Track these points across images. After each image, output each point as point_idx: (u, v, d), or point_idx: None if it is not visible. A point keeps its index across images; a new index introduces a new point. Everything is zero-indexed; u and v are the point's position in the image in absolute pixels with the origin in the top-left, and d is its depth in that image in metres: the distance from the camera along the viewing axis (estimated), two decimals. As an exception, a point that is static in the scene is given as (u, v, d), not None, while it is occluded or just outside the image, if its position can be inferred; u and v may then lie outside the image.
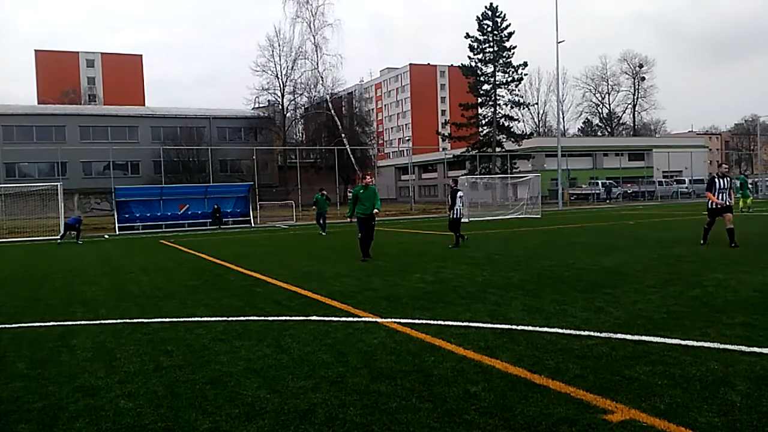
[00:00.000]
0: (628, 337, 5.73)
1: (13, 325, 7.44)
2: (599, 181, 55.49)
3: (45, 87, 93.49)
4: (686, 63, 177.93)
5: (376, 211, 13.28)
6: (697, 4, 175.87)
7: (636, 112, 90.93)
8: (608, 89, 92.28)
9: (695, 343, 5.40)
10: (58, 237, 23.83)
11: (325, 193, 24.35)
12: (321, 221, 23.73)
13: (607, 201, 50.04)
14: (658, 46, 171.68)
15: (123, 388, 4.77)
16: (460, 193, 16.50)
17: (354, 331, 6.45)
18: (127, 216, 30.75)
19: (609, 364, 4.91)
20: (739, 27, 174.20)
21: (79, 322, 7.47)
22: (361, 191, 13.43)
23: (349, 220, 14.04)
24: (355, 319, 7.07)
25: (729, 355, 5.01)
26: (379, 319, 6.95)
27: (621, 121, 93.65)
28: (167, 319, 7.46)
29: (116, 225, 30.20)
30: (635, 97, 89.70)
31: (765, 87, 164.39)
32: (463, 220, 17.40)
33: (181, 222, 31.27)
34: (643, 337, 5.68)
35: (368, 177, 14.37)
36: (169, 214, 31.42)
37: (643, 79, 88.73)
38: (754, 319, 6.24)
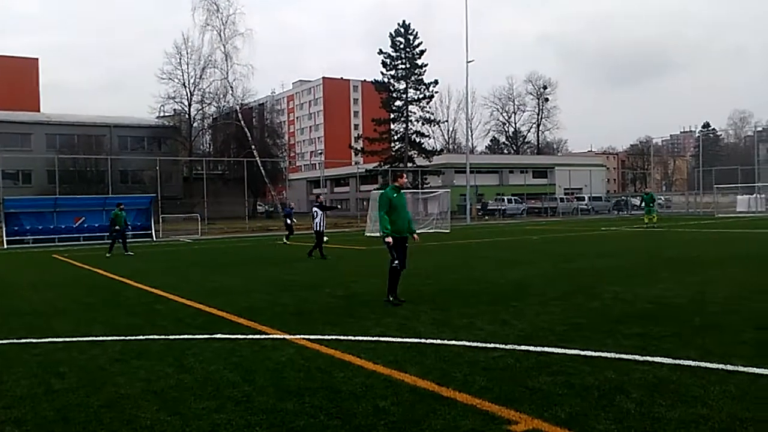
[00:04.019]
0: (532, 348, 5.91)
1: None
2: (505, 197, 57.41)
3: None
4: (586, 85, 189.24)
5: (416, 236, 9.20)
6: (594, 28, 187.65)
7: (540, 132, 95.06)
8: (514, 109, 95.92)
9: (594, 354, 5.64)
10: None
11: (123, 207, 21.48)
12: (121, 240, 20.95)
13: (486, 217, 51.35)
14: (560, 68, 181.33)
15: (8, 414, 4.43)
16: (314, 209, 17.71)
17: (261, 348, 6.28)
18: (16, 229, 28.77)
19: (513, 376, 5.03)
20: (633, 53, 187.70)
21: (-43, 344, 6.86)
22: (395, 195, 8.90)
23: (389, 241, 8.65)
24: (263, 336, 6.89)
25: (625, 365, 5.26)
26: (288, 336, 6.81)
27: (526, 140, 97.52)
28: (59, 339, 7.00)
29: (4, 238, 28.21)
30: (539, 117, 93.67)
31: (657, 110, 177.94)
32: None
33: (76, 236, 29.63)
34: (546, 349, 5.87)
35: (404, 176, 9.41)
36: (63, 227, 29.72)
37: (547, 100, 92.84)
38: (648, 329, 6.60)
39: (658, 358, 5.41)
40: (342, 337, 6.63)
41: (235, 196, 51.40)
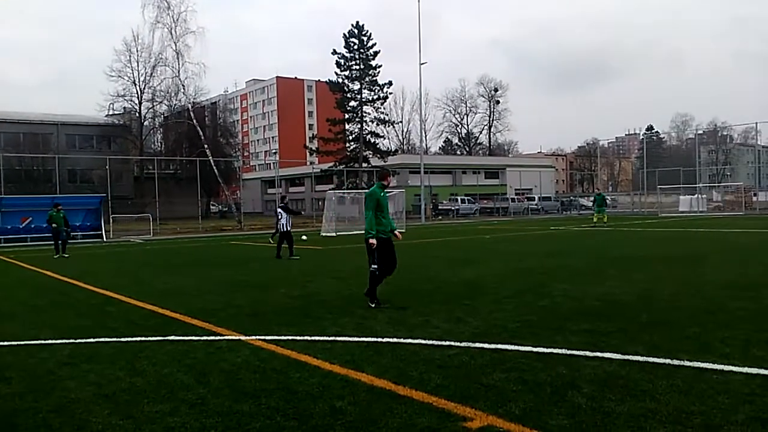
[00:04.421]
0: (486, 345, 6.00)
1: None
2: (458, 198, 58.01)
3: None
4: (536, 89, 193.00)
5: (398, 233, 9.05)
6: (544, 34, 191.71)
7: (491, 133, 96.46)
8: (467, 111, 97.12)
9: (545, 350, 5.76)
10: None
11: (60, 208, 20.75)
12: (60, 241, 20.10)
13: (440, 217, 51.69)
14: (511, 72, 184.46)
15: (-52, 423, 4.25)
16: (278, 210, 17.56)
17: (216, 350, 6.20)
18: (-43, 230, 27.69)
19: (468, 373, 5.10)
20: (580, 58, 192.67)
21: None
22: (382, 194, 8.76)
23: (372, 242, 8.49)
24: (218, 337, 6.81)
25: (575, 360, 5.39)
26: (243, 337, 6.74)
27: (478, 141, 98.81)
28: (6, 343, 6.78)
29: (-56, 239, 27.07)
30: (491, 119, 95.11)
31: (603, 113, 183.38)
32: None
33: (23, 236, 28.67)
34: (499, 346, 5.97)
35: (390, 175, 9.27)
36: (9, 227, 28.72)
37: (498, 102, 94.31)
38: (597, 325, 6.78)
39: (608, 353, 5.56)
40: (298, 338, 6.61)
41: (188, 195, 50.53)
